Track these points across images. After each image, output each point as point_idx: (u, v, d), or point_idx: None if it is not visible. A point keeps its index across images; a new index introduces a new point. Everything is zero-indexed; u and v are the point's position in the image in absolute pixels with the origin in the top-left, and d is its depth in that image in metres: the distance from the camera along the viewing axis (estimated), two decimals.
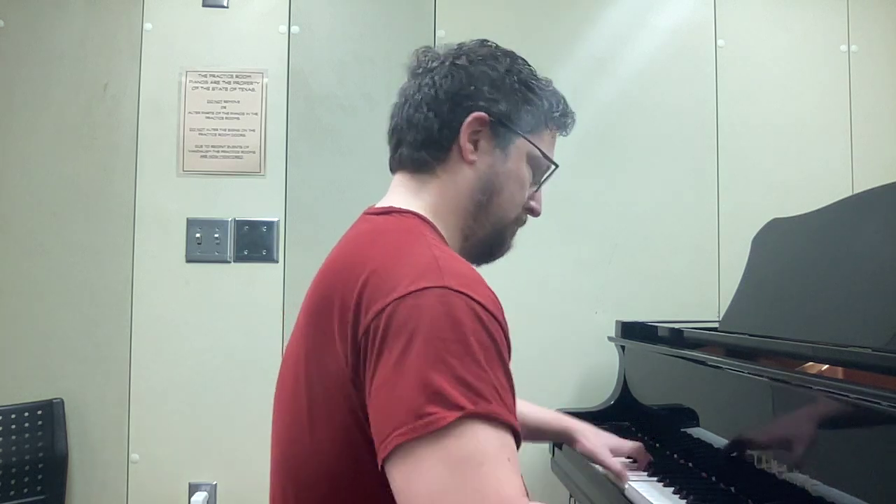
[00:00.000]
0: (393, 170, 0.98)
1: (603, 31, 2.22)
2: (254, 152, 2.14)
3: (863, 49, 2.24)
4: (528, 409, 1.31)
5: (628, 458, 1.38)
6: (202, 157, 2.13)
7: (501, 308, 0.78)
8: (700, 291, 2.15)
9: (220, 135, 2.13)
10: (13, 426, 1.96)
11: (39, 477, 1.98)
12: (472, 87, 0.91)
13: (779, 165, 2.20)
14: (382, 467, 0.71)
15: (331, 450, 0.79)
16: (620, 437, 1.40)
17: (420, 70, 0.95)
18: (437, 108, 0.91)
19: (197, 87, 2.14)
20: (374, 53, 2.17)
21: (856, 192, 1.48)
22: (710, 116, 2.21)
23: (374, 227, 0.89)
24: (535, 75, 0.97)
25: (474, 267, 0.83)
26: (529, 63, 0.98)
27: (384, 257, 0.79)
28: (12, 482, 1.93)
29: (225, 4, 2.16)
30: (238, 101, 2.14)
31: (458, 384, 0.68)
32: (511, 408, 0.72)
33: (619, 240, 2.17)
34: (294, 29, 2.17)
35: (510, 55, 0.96)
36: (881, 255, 1.21)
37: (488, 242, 0.97)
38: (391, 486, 0.70)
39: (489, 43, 0.97)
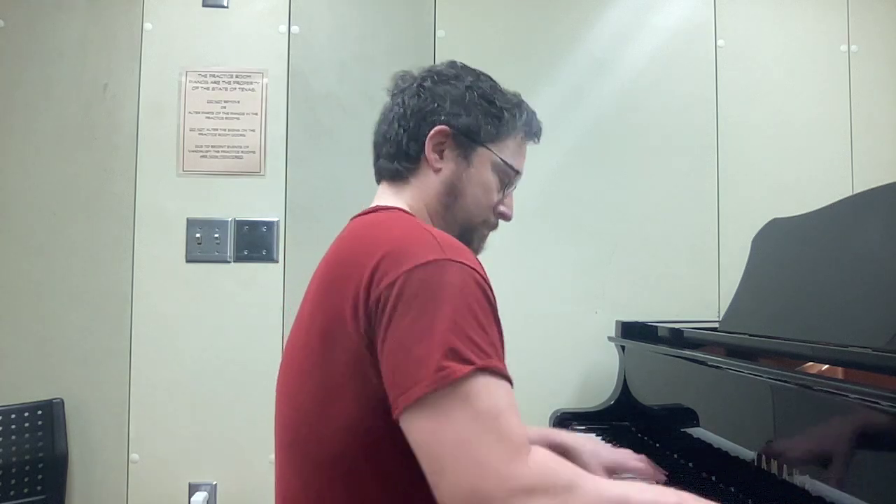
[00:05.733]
0: (377, 181, 1.10)
1: (603, 31, 2.21)
2: (254, 152, 2.14)
3: (863, 49, 2.24)
4: None
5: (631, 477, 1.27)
6: (202, 157, 2.13)
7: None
8: (700, 291, 2.15)
9: (220, 135, 2.13)
10: (13, 426, 1.96)
11: (39, 477, 1.98)
12: (436, 104, 1.03)
13: (779, 165, 2.21)
14: (398, 421, 0.78)
15: (350, 424, 0.84)
16: (620, 439, 1.37)
17: (395, 91, 1.08)
18: (405, 125, 1.04)
19: (197, 87, 2.14)
20: (374, 53, 2.17)
21: (856, 192, 1.48)
22: (710, 116, 2.21)
23: (371, 222, 0.98)
24: (498, 89, 1.08)
25: None
26: (495, 80, 1.09)
27: (391, 240, 0.87)
28: (12, 482, 1.93)
29: (225, 4, 2.16)
30: (238, 101, 2.14)
31: (469, 342, 0.78)
32: (504, 363, 0.82)
33: (619, 240, 2.17)
34: (294, 29, 2.17)
35: (474, 73, 1.08)
36: (881, 255, 1.21)
37: None
38: (410, 437, 0.78)
39: (457, 63, 1.09)
